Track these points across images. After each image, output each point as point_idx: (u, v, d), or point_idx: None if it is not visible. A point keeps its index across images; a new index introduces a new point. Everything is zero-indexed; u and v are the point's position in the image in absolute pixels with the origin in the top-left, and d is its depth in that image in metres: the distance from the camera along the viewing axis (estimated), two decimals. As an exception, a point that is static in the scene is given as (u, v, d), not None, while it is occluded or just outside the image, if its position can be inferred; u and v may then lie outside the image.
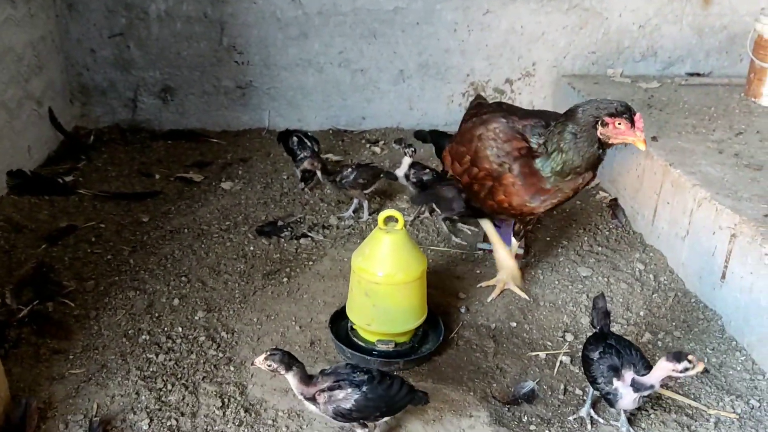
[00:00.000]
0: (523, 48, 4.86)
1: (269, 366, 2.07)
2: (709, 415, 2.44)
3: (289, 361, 2.08)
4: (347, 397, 2.05)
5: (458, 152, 2.93)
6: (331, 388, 2.06)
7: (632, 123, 2.44)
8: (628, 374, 2.21)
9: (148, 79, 4.69)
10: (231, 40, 4.66)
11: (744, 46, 4.48)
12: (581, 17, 4.76)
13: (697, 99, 4.38)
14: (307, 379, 2.11)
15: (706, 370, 2.09)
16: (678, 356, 2.09)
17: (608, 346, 2.30)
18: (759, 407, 2.49)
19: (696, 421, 2.42)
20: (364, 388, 2.07)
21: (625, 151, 3.85)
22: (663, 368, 2.11)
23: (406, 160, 3.69)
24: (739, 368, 2.69)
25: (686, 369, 2.07)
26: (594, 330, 2.43)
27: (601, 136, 2.51)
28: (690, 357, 2.07)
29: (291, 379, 2.10)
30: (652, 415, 2.45)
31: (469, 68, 4.91)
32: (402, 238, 2.55)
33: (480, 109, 3.04)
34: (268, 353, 2.07)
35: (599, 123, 2.49)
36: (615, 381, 2.22)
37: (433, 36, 4.79)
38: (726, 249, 2.90)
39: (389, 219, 2.57)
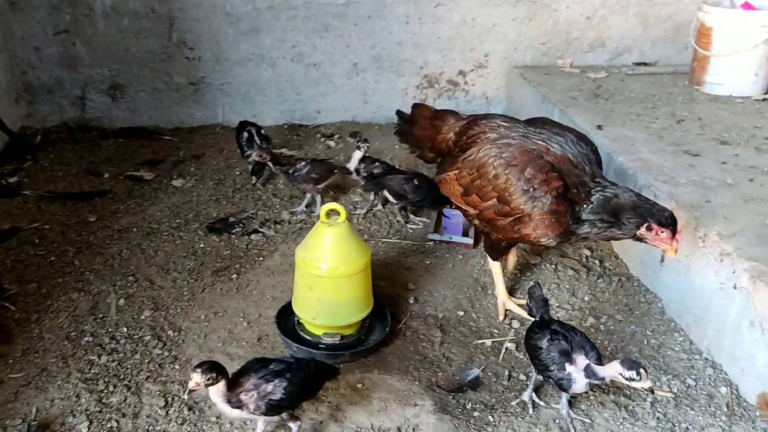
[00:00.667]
0: (475, 40, 4.90)
1: (208, 380, 1.99)
2: (647, 394, 2.51)
3: (221, 368, 2.03)
4: (276, 388, 2.05)
5: (477, 186, 2.67)
6: (257, 385, 2.05)
7: (674, 235, 2.45)
8: (580, 358, 2.26)
9: (96, 76, 4.62)
10: (181, 36, 4.61)
11: (688, 35, 4.57)
12: (530, 9, 4.81)
13: (643, 88, 4.48)
14: (232, 384, 2.08)
15: (651, 391, 2.22)
16: (630, 364, 2.15)
17: (554, 333, 2.34)
18: (695, 386, 2.57)
19: (634, 401, 2.49)
20: (288, 375, 2.08)
21: (573, 140, 3.91)
22: (613, 368, 2.18)
23: (357, 154, 3.71)
24: (677, 348, 2.77)
25: (631, 379, 2.14)
26: (534, 319, 2.48)
27: (639, 234, 2.49)
28: (641, 370, 2.13)
29: (221, 387, 2.03)
30: (591, 397, 2.51)
31: (423, 60, 4.94)
32: (344, 230, 2.56)
33: (480, 129, 2.81)
34: (202, 369, 1.99)
35: (644, 226, 2.47)
36: (568, 366, 2.27)
37: (385, 29, 4.80)
38: (664, 234, 2.98)
39: (331, 212, 2.58)
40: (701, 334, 2.76)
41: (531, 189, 2.52)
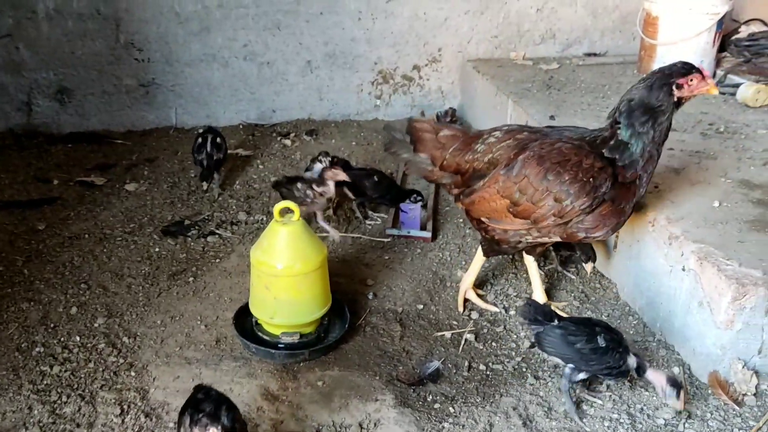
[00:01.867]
0: (428, 34, 4.92)
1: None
2: (603, 378, 2.56)
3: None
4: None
5: (529, 194, 2.53)
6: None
7: (702, 75, 2.46)
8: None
9: (42, 80, 4.50)
10: (128, 37, 4.52)
11: (635, 25, 4.67)
12: (482, 2, 4.85)
13: (593, 78, 4.56)
14: None
15: (679, 413, 2.38)
16: (674, 383, 2.31)
17: (600, 329, 2.36)
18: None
19: (591, 384, 2.53)
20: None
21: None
22: (658, 377, 2.33)
23: (318, 166, 3.63)
24: (631, 332, 2.83)
25: (669, 396, 2.32)
26: (551, 324, 2.41)
27: (678, 98, 2.47)
28: (681, 392, 2.30)
29: None
30: (550, 383, 2.55)
31: (377, 56, 4.93)
32: (299, 228, 2.55)
33: (502, 139, 2.69)
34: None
35: (675, 87, 2.46)
36: (628, 357, 2.33)
37: (338, 25, 4.78)
38: (616, 220, 3.04)
39: (285, 210, 2.57)
40: (654, 317, 2.82)
41: (591, 179, 2.45)
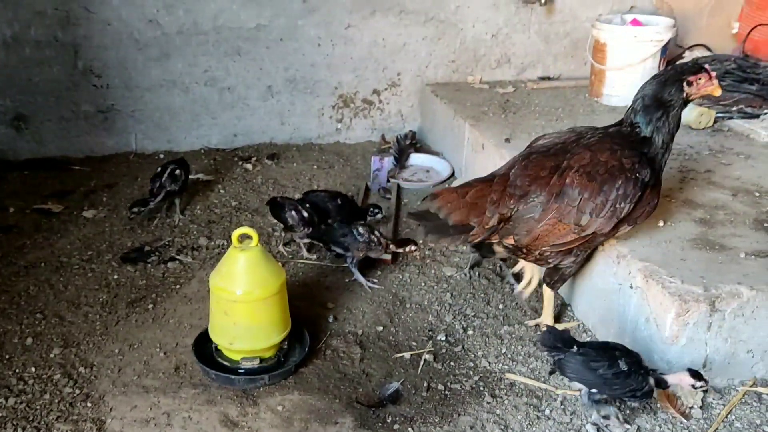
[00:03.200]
0: (387, 59, 5.02)
1: None
2: (557, 395, 2.63)
3: None
4: None
5: (589, 224, 2.63)
6: None
7: (709, 74, 2.64)
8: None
9: (-2, 107, 4.46)
10: (87, 63, 4.51)
11: (585, 50, 4.84)
12: (438, 28, 4.97)
13: (547, 101, 4.70)
14: None
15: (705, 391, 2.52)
16: (695, 374, 2.40)
17: (614, 353, 2.43)
18: (601, 383, 2.71)
19: (544, 401, 2.60)
20: None
21: (484, 154, 4.07)
22: (680, 378, 2.42)
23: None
24: (585, 349, 2.92)
25: (698, 387, 2.42)
26: (572, 351, 2.46)
27: (687, 94, 2.66)
28: (704, 378, 2.40)
29: None
30: (506, 401, 2.61)
31: (337, 81, 5.01)
32: (257, 254, 2.58)
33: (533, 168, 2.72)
34: None
35: (686, 84, 2.64)
36: (649, 377, 2.40)
37: (298, 51, 4.84)
38: (568, 240, 3.14)
39: (243, 236, 2.59)
40: (606, 333, 2.91)
41: (636, 174, 2.61)
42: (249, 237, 2.59)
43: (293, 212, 3.45)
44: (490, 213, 2.69)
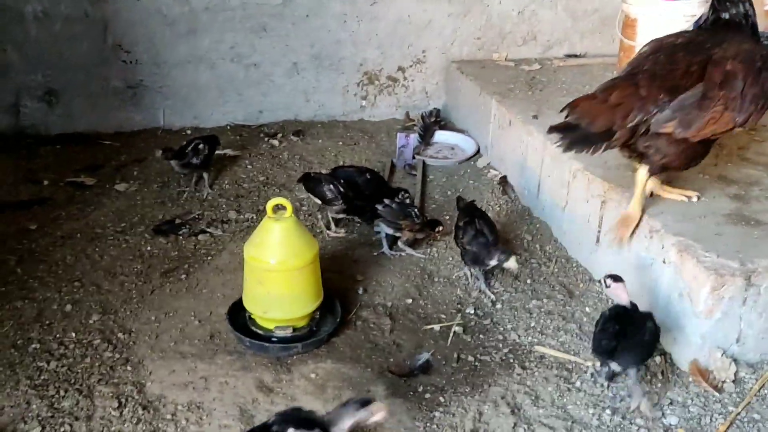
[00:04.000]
0: (413, 36, 4.99)
1: None
2: (587, 367, 2.65)
3: None
4: None
5: (751, 95, 2.64)
6: None
7: None
8: None
9: (30, 82, 4.50)
10: (116, 39, 4.54)
11: (614, 27, 4.78)
12: (464, 5, 4.93)
13: (574, 78, 4.66)
14: None
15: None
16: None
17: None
18: (631, 356, 2.72)
19: (575, 374, 2.62)
20: None
21: (510, 130, 4.06)
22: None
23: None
24: (614, 323, 2.92)
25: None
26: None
27: None
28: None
29: None
30: (536, 373, 2.63)
31: (362, 58, 5.00)
32: (292, 224, 2.61)
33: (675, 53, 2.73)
34: None
35: None
36: None
37: (323, 28, 4.84)
38: (598, 215, 3.14)
39: (278, 207, 2.62)
40: (636, 308, 2.91)
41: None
42: (283, 207, 2.62)
43: (331, 186, 3.47)
44: (637, 110, 2.61)
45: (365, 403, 2.00)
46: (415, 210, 3.39)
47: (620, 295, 2.43)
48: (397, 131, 4.71)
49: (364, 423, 2.01)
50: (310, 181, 3.60)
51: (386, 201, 3.35)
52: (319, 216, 3.66)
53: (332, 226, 3.61)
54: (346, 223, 3.66)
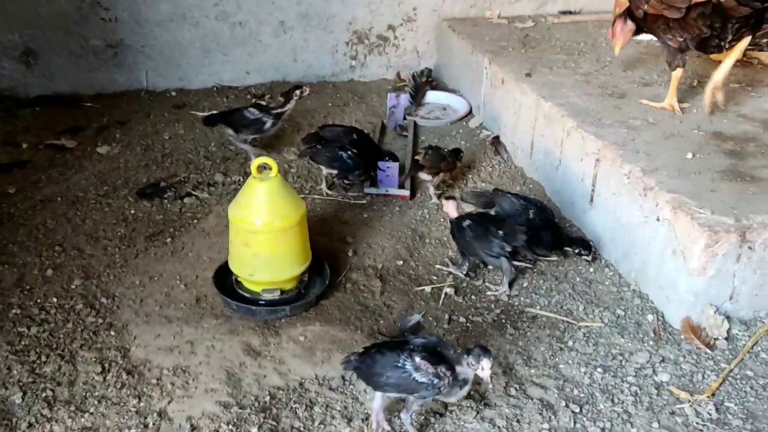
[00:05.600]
0: (403, -7, 4.85)
1: None
2: (579, 327, 2.62)
3: None
4: None
5: None
6: None
7: None
8: None
9: (6, 42, 4.34)
10: (94, -5, 4.39)
11: (610, -18, 4.65)
12: (456, -40, 4.79)
13: (569, 35, 4.55)
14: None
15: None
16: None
17: None
18: (624, 315, 2.69)
19: (567, 333, 2.59)
20: None
21: (503, 90, 3.97)
22: None
23: None
24: (607, 283, 2.89)
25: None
26: None
27: None
28: None
29: None
30: (528, 333, 2.59)
31: (351, 16, 4.85)
32: (277, 184, 2.53)
33: None
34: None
35: None
36: None
37: (311, -16, 4.69)
38: (592, 173, 3.07)
39: (263, 167, 2.54)
40: (629, 267, 2.88)
41: None
42: (268, 167, 2.53)
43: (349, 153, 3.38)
44: None
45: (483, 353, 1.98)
46: (447, 151, 3.48)
47: (450, 212, 2.82)
48: (388, 92, 4.60)
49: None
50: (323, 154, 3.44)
51: (424, 149, 3.46)
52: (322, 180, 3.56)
53: (323, 186, 3.53)
54: (332, 183, 3.58)
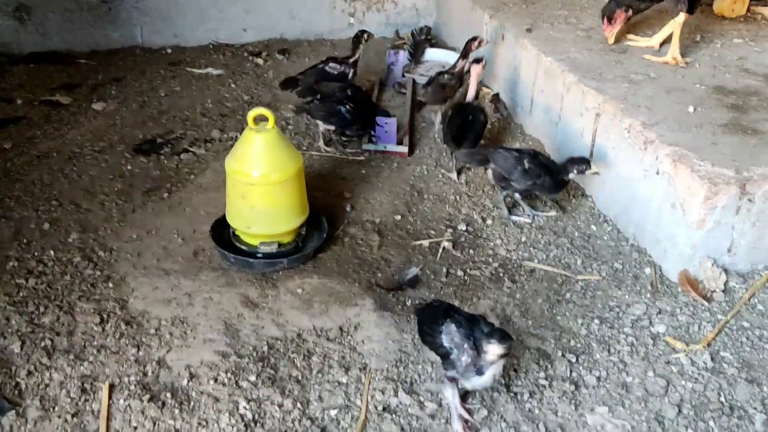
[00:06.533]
0: (402, -53, 4.75)
1: None
2: (576, 280, 2.62)
3: None
4: None
5: None
6: None
7: None
8: None
9: (-2, -3, 4.28)
10: (87, -50, 4.29)
11: (614, -64, 4.54)
12: None
13: (571, -9, 4.46)
14: None
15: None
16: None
17: None
18: (622, 269, 2.69)
19: (564, 286, 2.59)
20: None
21: (503, 46, 3.91)
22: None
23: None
24: (605, 238, 2.89)
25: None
26: None
27: None
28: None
29: None
30: (526, 286, 2.60)
31: (349, -29, 4.77)
32: (274, 136, 2.51)
33: None
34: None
35: None
36: None
37: (307, -63, 4.58)
38: (592, 128, 3.05)
39: (259, 118, 2.51)
40: (627, 222, 2.87)
41: None
42: (265, 118, 2.50)
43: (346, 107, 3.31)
44: None
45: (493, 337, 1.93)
46: (446, 76, 3.58)
47: (474, 74, 3.19)
48: (387, 49, 4.54)
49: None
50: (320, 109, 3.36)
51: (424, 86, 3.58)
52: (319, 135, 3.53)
53: (320, 143, 3.50)
54: (330, 139, 3.55)
